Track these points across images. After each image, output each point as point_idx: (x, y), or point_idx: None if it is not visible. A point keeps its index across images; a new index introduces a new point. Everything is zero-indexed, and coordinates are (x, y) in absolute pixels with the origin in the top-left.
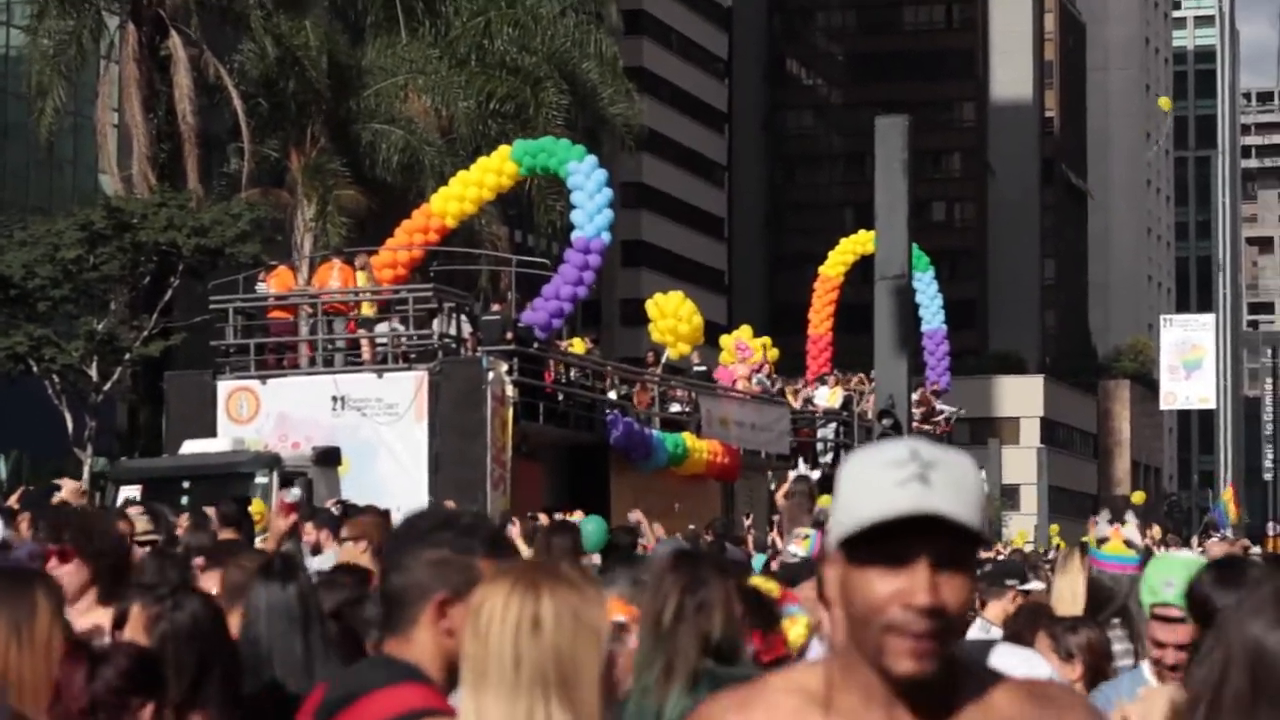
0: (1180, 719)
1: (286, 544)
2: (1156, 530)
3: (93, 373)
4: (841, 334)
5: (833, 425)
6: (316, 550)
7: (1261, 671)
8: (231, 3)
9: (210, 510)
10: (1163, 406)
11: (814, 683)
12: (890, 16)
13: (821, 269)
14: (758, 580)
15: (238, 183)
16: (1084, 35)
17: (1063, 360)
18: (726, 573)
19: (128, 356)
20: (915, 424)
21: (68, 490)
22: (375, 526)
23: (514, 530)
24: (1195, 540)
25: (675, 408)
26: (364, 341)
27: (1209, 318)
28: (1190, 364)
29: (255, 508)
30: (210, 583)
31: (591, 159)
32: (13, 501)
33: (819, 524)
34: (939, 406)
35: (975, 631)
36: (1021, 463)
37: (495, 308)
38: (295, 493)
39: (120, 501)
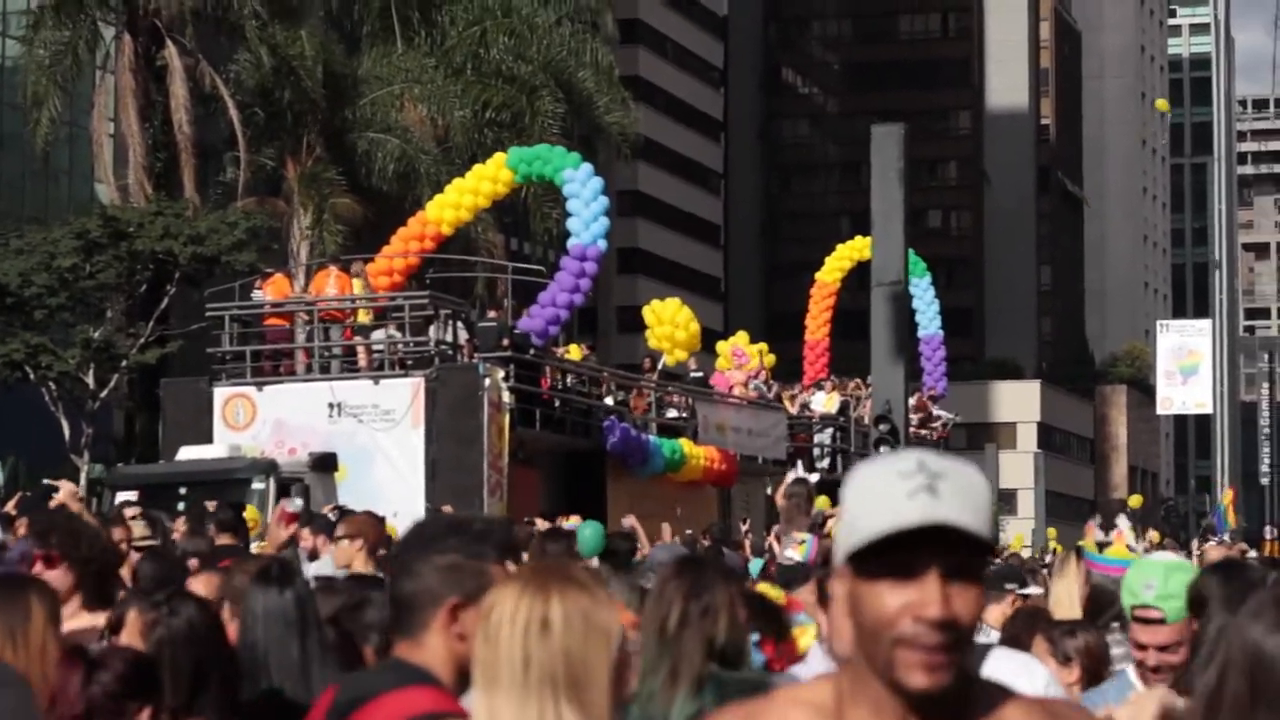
0: None
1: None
2: (1155, 535)
3: (89, 380)
4: (838, 340)
5: (829, 430)
6: (313, 556)
7: (1260, 675)
8: (227, 13)
9: (211, 504)
10: (1159, 412)
11: (824, 696)
12: (886, 26)
13: (818, 275)
14: (764, 587)
15: (234, 191)
16: (1079, 43)
17: (1059, 366)
18: (730, 578)
19: (124, 364)
20: (912, 429)
21: (65, 492)
22: (370, 525)
23: None
24: (1195, 544)
25: (672, 413)
26: (360, 348)
27: (1205, 323)
28: (1186, 369)
29: (249, 514)
30: (200, 585)
31: (587, 167)
32: (10, 507)
33: (816, 526)
34: (936, 412)
35: None
36: (1019, 468)
37: (492, 314)
38: (298, 502)
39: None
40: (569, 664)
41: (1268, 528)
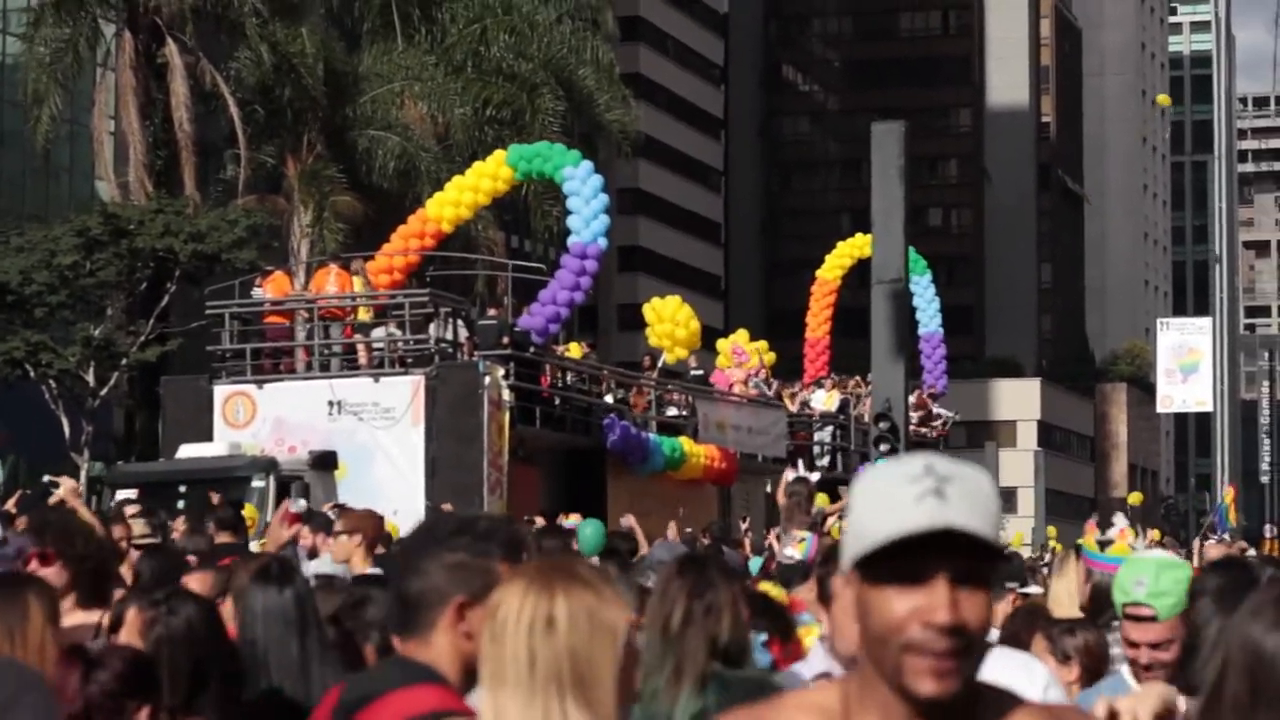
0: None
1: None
2: (1155, 533)
3: (89, 378)
4: (839, 337)
5: (829, 428)
6: (313, 554)
7: (1260, 674)
8: (227, 10)
9: (215, 498)
10: (1159, 410)
11: (831, 701)
12: (886, 23)
13: (819, 273)
14: (767, 586)
15: (234, 189)
16: (1080, 40)
17: (1060, 364)
18: (733, 577)
19: (124, 362)
20: (912, 427)
21: (66, 489)
22: (368, 520)
23: None
24: (1197, 542)
25: (672, 411)
26: (360, 346)
27: (1205, 321)
28: (1187, 367)
29: (247, 512)
30: (196, 583)
31: (587, 164)
32: (10, 505)
33: (816, 525)
34: (936, 410)
35: None
36: (1019, 466)
37: (492, 312)
38: (301, 503)
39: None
40: (574, 662)
41: (1268, 526)
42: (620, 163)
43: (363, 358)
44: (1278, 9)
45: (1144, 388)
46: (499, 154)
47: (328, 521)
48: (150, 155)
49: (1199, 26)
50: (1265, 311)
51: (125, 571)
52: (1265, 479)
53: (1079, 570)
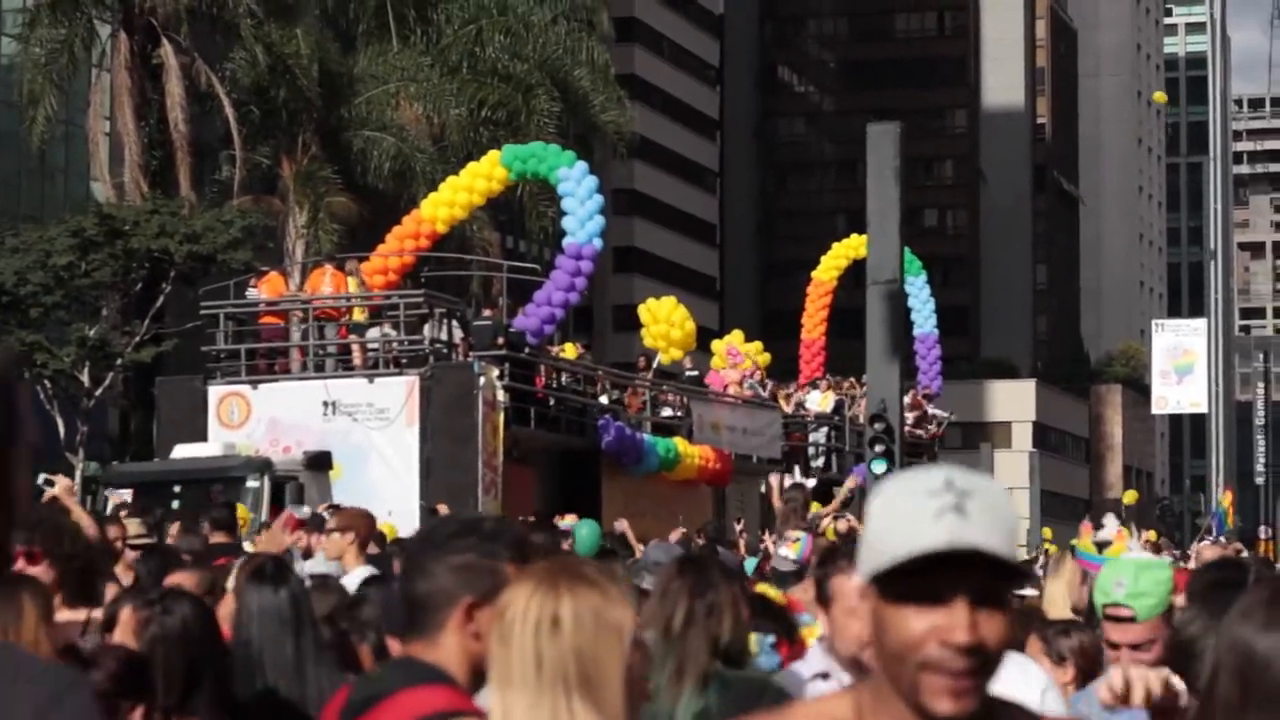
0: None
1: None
2: (1152, 534)
3: (84, 378)
4: (834, 338)
5: (824, 429)
6: (308, 554)
7: (1251, 675)
8: (222, 11)
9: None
10: (1154, 411)
11: (844, 712)
12: (882, 24)
13: (815, 274)
14: (764, 588)
15: (229, 190)
16: (1075, 42)
17: (1055, 365)
18: (733, 577)
19: (119, 362)
20: (907, 428)
21: (60, 488)
22: (361, 518)
23: None
24: (1194, 545)
25: (667, 412)
26: (355, 347)
27: (1200, 323)
28: (1182, 369)
29: (239, 513)
30: (182, 582)
31: (582, 165)
32: None
33: (811, 527)
34: (931, 411)
35: None
36: (1014, 467)
37: (487, 313)
38: (305, 510)
39: (111, 506)
40: (580, 662)
41: (1262, 527)
42: (615, 164)
43: (357, 358)
44: (1273, 10)
45: (1139, 389)
46: (493, 154)
47: (322, 521)
48: (145, 156)
49: (1194, 28)
50: (1260, 313)
51: (121, 571)
52: (1260, 480)
53: (1074, 571)
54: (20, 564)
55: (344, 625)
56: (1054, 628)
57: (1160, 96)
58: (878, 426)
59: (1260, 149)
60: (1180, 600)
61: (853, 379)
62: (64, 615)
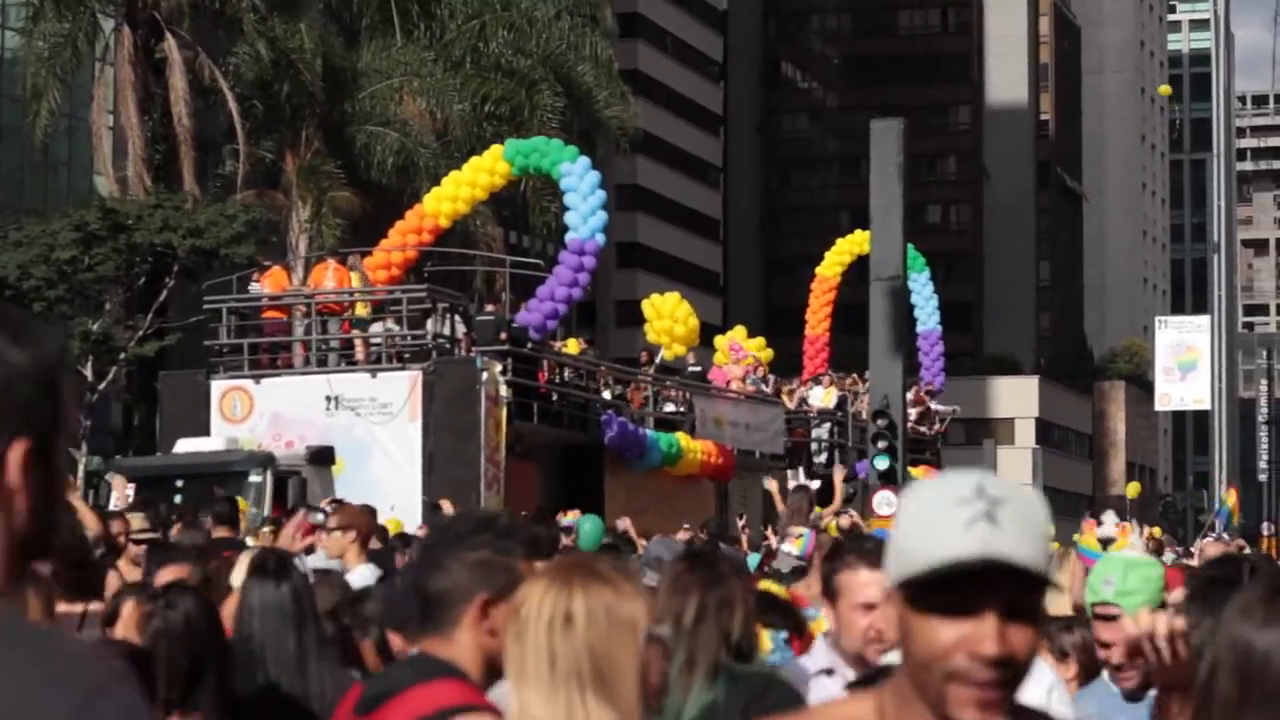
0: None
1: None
2: (1156, 530)
3: (88, 372)
4: (838, 334)
5: (827, 425)
6: (309, 550)
7: (1250, 672)
8: (225, 6)
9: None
10: (1158, 408)
11: (866, 713)
12: (885, 20)
13: (819, 270)
14: (767, 584)
15: (233, 184)
16: (1079, 38)
17: (1058, 362)
18: (742, 572)
19: (122, 356)
20: (910, 425)
21: None
22: (362, 516)
23: None
24: (1198, 541)
25: (669, 408)
26: (358, 341)
27: (1204, 319)
28: (1185, 365)
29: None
30: (171, 576)
31: (584, 160)
32: None
33: (813, 526)
34: (934, 407)
35: None
36: (1017, 463)
37: (489, 308)
38: (319, 516)
39: (115, 500)
40: (594, 658)
41: (1265, 524)
42: (619, 159)
43: (360, 353)
44: (1277, 7)
45: (1142, 386)
46: (496, 149)
47: (318, 511)
48: (149, 150)
49: (1198, 24)
50: (1263, 310)
51: (124, 565)
52: (1263, 477)
53: (1076, 568)
54: None
55: (346, 621)
56: (1056, 624)
57: (1165, 89)
58: (880, 422)
59: (1264, 145)
60: (1173, 598)
61: (855, 375)
62: (61, 608)
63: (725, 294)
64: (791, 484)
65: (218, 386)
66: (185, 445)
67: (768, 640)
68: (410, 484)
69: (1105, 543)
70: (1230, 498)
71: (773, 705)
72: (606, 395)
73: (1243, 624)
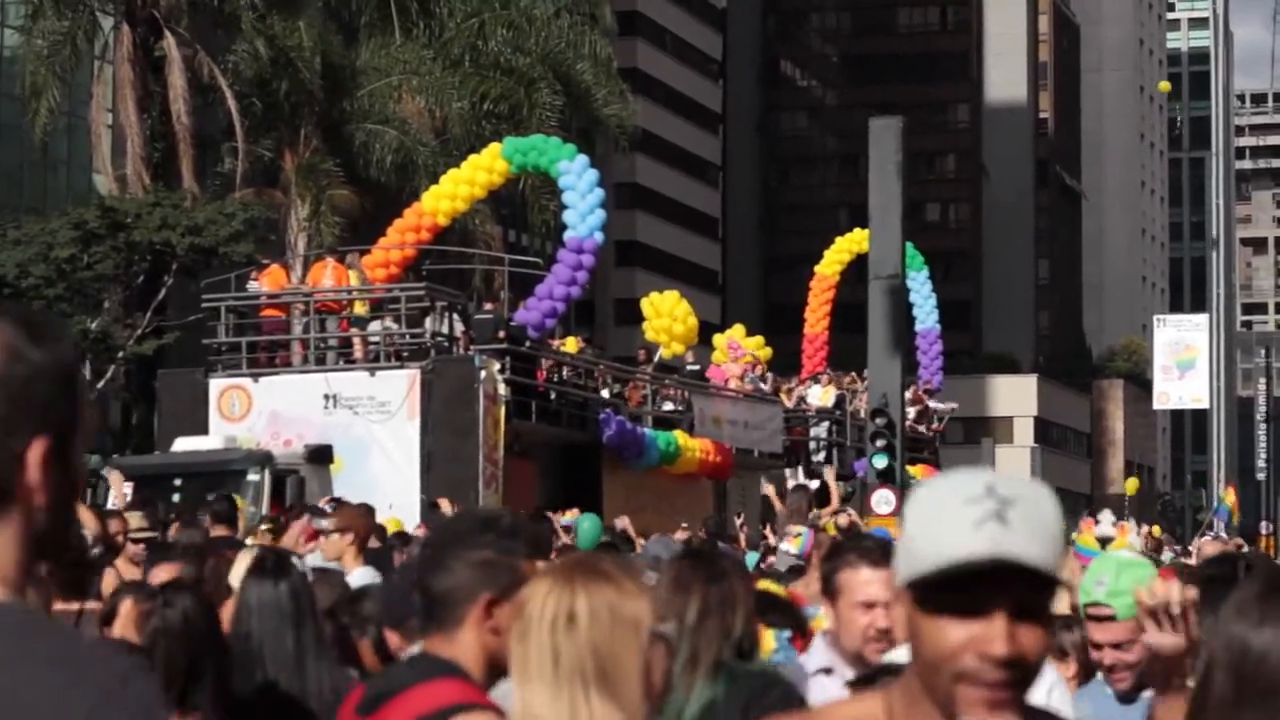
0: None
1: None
2: (1156, 529)
3: (86, 371)
4: (837, 333)
5: (825, 424)
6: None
7: (1246, 671)
8: (224, 4)
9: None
10: (1156, 406)
11: (875, 713)
12: (885, 18)
13: (818, 268)
14: (765, 584)
15: (232, 182)
16: (1078, 37)
17: (1057, 360)
18: (742, 570)
19: (121, 355)
20: (909, 423)
21: None
22: (360, 518)
23: None
24: (1195, 540)
25: (668, 406)
26: (356, 340)
27: (1202, 318)
28: (1184, 364)
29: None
30: (163, 574)
31: (583, 159)
32: None
33: (811, 525)
34: (933, 405)
35: None
36: (1015, 462)
37: (488, 307)
38: (324, 523)
39: (113, 499)
40: (597, 657)
41: (1264, 523)
42: (618, 157)
43: (359, 351)
44: (1276, 6)
45: (1141, 384)
46: (494, 147)
47: (322, 514)
48: (148, 148)
49: (1197, 23)
50: (1262, 308)
51: (122, 564)
52: (1261, 476)
53: (1074, 567)
54: None
55: (344, 620)
56: (1056, 623)
57: (1165, 86)
58: (879, 421)
59: (1262, 144)
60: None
61: (854, 373)
62: (57, 607)
63: (724, 292)
64: (790, 483)
65: (216, 385)
66: (183, 444)
67: (772, 640)
68: (408, 482)
69: (1104, 541)
70: (1229, 496)
71: (773, 704)
72: (605, 394)
73: (1238, 623)
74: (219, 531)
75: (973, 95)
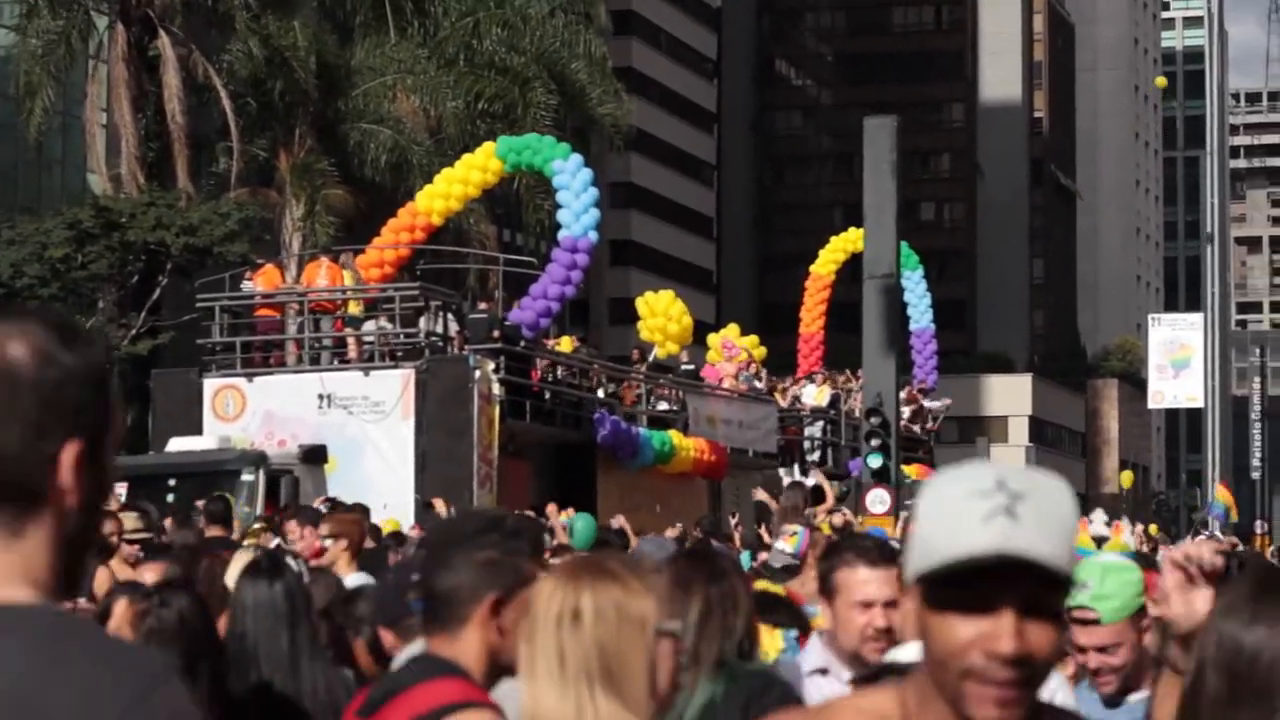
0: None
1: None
2: (1153, 528)
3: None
4: (832, 332)
5: (820, 423)
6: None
7: (1239, 670)
8: (218, 3)
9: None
10: (1151, 405)
11: (888, 709)
12: (879, 18)
13: (813, 267)
14: (763, 584)
15: (226, 182)
16: (1073, 36)
17: (1051, 360)
18: (741, 569)
19: (115, 355)
20: (903, 423)
21: None
22: (353, 524)
23: None
24: (1189, 540)
25: (663, 406)
26: (350, 340)
27: (1197, 317)
28: (1178, 363)
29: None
30: (150, 574)
31: (577, 158)
32: None
33: (806, 524)
34: (928, 405)
35: None
36: (1010, 461)
37: (482, 306)
38: (329, 542)
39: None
40: (603, 655)
41: (1258, 522)
42: (612, 156)
43: (353, 351)
44: (1270, 5)
45: (1135, 383)
46: (488, 146)
47: (317, 516)
48: (142, 148)
49: (1191, 22)
50: (1257, 307)
51: (117, 565)
52: (1255, 475)
53: None
54: None
55: (339, 620)
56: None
57: (1161, 81)
58: (874, 420)
59: (1257, 143)
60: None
61: (849, 373)
62: None
63: (719, 292)
64: (786, 480)
65: (210, 385)
66: (177, 444)
67: (779, 640)
68: (403, 482)
69: (1099, 541)
70: (1223, 495)
71: (773, 703)
72: (600, 393)
73: (1230, 621)
74: (214, 532)
75: (967, 94)
